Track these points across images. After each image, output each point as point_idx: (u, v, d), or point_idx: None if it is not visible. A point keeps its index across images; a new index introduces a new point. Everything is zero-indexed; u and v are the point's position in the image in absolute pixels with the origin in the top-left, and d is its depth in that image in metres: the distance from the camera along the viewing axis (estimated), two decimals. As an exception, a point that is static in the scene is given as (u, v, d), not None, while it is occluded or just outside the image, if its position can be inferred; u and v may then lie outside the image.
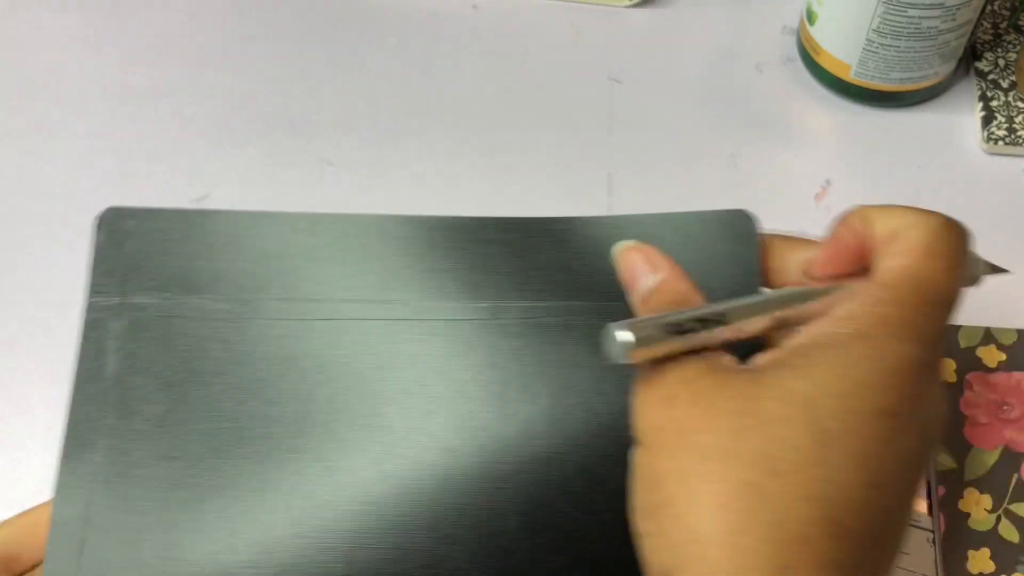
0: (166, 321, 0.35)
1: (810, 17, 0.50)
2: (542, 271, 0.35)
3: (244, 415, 0.34)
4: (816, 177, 0.49)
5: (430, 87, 0.53)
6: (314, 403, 0.34)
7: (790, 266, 0.33)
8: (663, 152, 0.50)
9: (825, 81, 0.52)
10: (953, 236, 0.30)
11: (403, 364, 0.35)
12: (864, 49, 0.48)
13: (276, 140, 0.51)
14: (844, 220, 0.31)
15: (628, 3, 0.56)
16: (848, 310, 0.28)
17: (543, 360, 0.34)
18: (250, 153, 0.50)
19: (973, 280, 0.33)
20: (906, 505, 0.28)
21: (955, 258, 0.29)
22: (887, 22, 0.46)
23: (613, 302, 0.34)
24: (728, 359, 0.28)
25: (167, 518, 0.33)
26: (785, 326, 0.30)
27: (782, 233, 0.33)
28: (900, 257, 0.29)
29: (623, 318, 0.29)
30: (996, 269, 0.34)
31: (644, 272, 0.32)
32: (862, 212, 0.31)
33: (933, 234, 0.29)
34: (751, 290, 0.33)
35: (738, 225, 0.34)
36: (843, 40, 0.49)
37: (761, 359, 0.28)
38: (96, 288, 0.36)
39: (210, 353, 0.35)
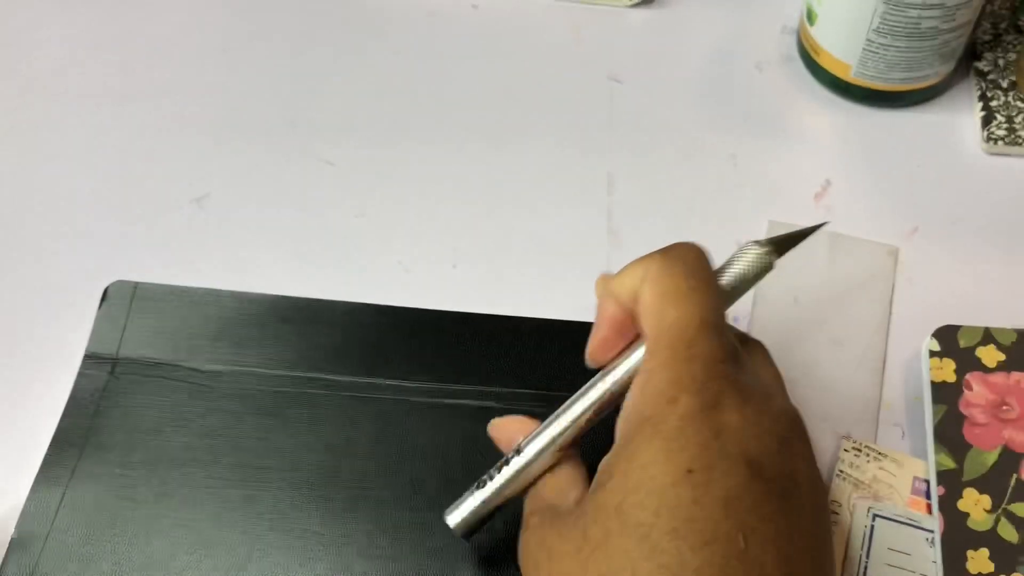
0: (155, 380, 0.41)
1: (810, 17, 0.50)
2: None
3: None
4: (816, 177, 0.49)
5: (430, 87, 0.53)
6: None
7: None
8: (663, 152, 0.50)
9: (825, 81, 0.52)
10: (674, 273, 0.31)
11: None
12: (864, 49, 0.48)
13: (276, 140, 0.51)
14: (600, 301, 0.33)
15: (628, 3, 0.56)
16: (625, 411, 0.31)
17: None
18: (250, 153, 0.50)
19: (766, 268, 0.33)
20: (753, 543, 0.28)
21: (686, 293, 0.31)
22: (887, 22, 0.46)
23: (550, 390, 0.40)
24: (572, 497, 0.32)
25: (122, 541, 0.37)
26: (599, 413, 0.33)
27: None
28: (643, 322, 0.31)
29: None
30: (810, 230, 0.35)
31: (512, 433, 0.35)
32: (607, 285, 0.33)
33: (656, 283, 0.31)
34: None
35: None
36: (843, 40, 0.49)
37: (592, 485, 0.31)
38: (92, 346, 0.42)
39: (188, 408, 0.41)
